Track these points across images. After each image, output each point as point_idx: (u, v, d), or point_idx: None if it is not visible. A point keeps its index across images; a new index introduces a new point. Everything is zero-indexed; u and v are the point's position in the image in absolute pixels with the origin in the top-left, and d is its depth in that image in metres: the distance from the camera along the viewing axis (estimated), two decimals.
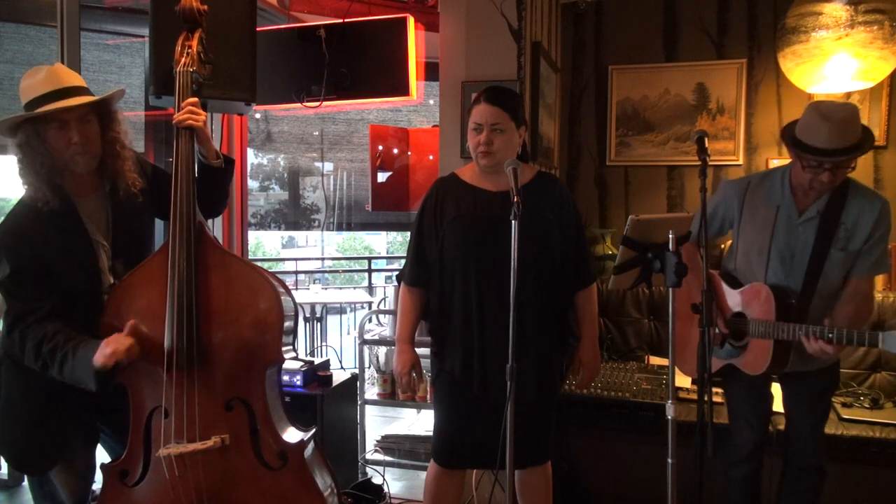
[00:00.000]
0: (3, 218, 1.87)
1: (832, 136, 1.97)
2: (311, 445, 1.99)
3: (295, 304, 2.00)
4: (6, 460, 1.97)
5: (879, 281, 3.30)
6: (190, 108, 1.91)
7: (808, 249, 2.13)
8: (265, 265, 2.02)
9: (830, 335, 1.96)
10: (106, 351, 1.69)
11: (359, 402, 3.39)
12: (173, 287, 1.79)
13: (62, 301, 1.80)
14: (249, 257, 5.11)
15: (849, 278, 2.15)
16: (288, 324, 1.91)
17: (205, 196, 1.95)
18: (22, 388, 1.87)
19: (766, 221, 2.19)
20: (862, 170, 2.27)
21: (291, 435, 1.94)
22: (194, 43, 1.97)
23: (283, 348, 1.91)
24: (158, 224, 2.11)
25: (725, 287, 2.29)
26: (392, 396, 3.46)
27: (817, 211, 2.12)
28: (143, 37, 3.19)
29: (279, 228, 6.82)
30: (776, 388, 2.37)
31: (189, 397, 1.81)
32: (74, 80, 1.85)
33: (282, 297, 1.88)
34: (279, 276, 2.02)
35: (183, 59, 1.94)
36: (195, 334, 1.79)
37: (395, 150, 4.53)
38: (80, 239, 1.85)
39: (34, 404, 1.86)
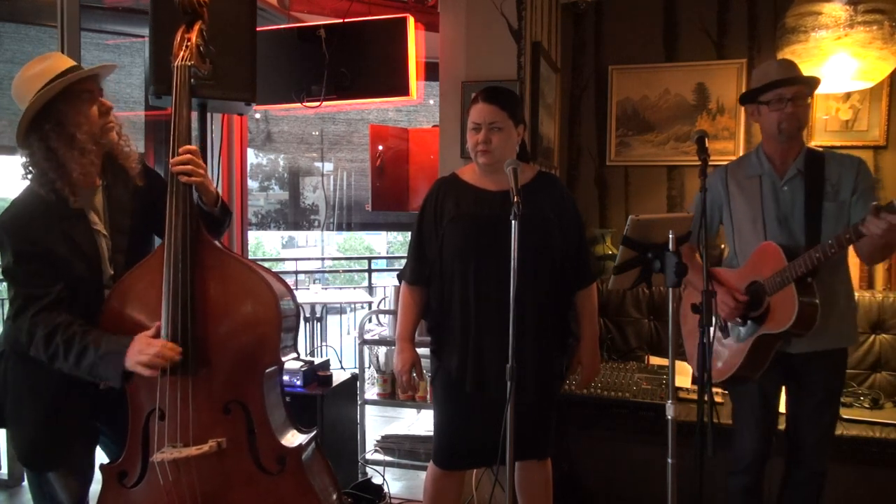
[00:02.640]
0: (7, 206, 1.86)
1: (781, 68, 2.21)
2: (310, 448, 1.96)
3: (297, 305, 1.96)
4: (18, 456, 1.97)
5: (879, 281, 3.31)
6: (190, 159, 1.80)
7: (799, 208, 2.18)
8: (265, 265, 1.98)
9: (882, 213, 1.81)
10: (142, 359, 1.70)
11: (359, 402, 3.39)
12: (169, 287, 1.77)
13: (66, 290, 1.79)
14: (250, 257, 5.10)
15: None
16: (287, 325, 1.88)
17: None
18: (29, 386, 1.86)
19: (753, 192, 2.26)
20: None
21: (290, 438, 1.91)
22: (193, 36, 1.87)
23: (283, 350, 1.88)
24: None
25: (730, 272, 2.29)
26: (392, 396, 3.46)
27: (797, 170, 2.20)
28: (143, 37, 3.19)
29: (279, 228, 6.81)
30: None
31: (184, 399, 1.78)
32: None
33: (281, 299, 1.85)
34: (279, 275, 1.99)
35: (181, 53, 1.85)
36: (190, 335, 1.77)
37: (395, 150, 4.53)
38: (82, 228, 1.84)
39: (42, 402, 1.85)
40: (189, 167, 1.80)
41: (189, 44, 1.87)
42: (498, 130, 2.11)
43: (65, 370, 1.76)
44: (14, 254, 1.78)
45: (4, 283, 1.87)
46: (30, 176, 1.83)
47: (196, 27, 1.90)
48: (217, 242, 1.90)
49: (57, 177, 1.78)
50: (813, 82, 2.25)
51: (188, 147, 1.82)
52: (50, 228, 1.79)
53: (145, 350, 1.71)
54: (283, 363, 1.90)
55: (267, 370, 1.86)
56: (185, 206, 1.81)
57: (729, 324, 2.26)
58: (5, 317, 1.93)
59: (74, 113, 1.79)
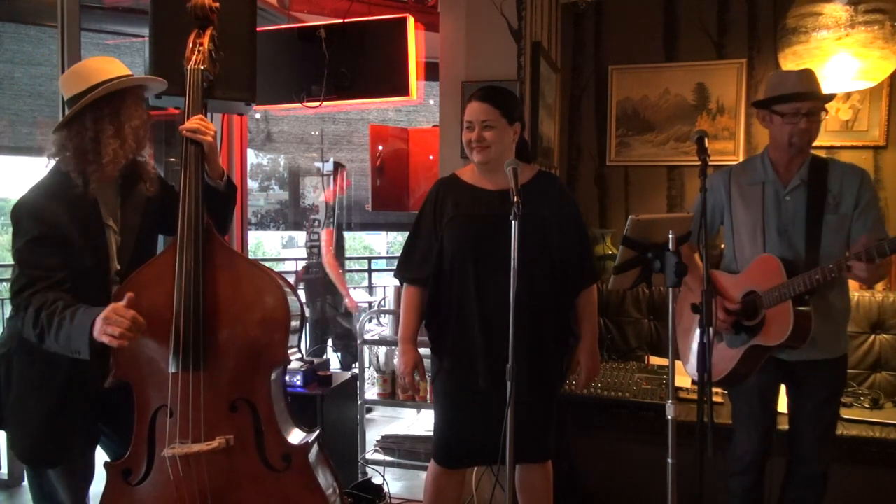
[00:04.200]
0: (24, 193, 1.88)
1: (800, 81, 2.17)
2: (315, 447, 1.99)
3: (301, 305, 1.99)
4: (17, 452, 1.97)
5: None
6: (199, 121, 1.90)
7: (800, 219, 2.17)
8: (265, 265, 2.00)
9: (869, 253, 1.87)
10: (108, 329, 1.63)
11: (359, 402, 3.39)
12: (180, 285, 1.79)
13: (71, 278, 1.81)
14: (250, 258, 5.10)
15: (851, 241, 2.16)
16: (294, 324, 1.91)
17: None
18: (36, 381, 1.86)
19: (755, 199, 2.25)
20: None
21: (296, 436, 1.94)
22: (205, 41, 1.95)
23: (289, 349, 1.90)
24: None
25: (728, 277, 2.29)
26: (392, 396, 3.46)
27: (801, 179, 2.19)
28: (143, 37, 3.20)
29: (279, 228, 6.81)
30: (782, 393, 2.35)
31: (194, 397, 1.80)
32: None
33: (288, 298, 1.88)
34: (284, 277, 2.01)
35: (195, 58, 1.93)
36: (201, 333, 1.79)
37: (395, 150, 4.53)
38: (94, 221, 1.87)
39: (48, 398, 1.86)
40: (199, 127, 1.88)
41: (202, 48, 1.94)
42: (490, 128, 2.12)
43: (52, 349, 1.74)
44: (29, 237, 1.79)
45: (4, 284, 1.87)
46: (57, 158, 1.86)
47: (208, 33, 1.98)
48: (227, 243, 1.93)
49: (94, 158, 1.83)
50: (830, 99, 2.22)
51: (198, 116, 1.91)
52: (66, 216, 1.82)
53: (104, 325, 1.64)
54: (289, 362, 1.93)
55: (274, 369, 1.89)
56: (197, 180, 1.85)
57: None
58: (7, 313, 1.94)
59: (134, 109, 1.88)
